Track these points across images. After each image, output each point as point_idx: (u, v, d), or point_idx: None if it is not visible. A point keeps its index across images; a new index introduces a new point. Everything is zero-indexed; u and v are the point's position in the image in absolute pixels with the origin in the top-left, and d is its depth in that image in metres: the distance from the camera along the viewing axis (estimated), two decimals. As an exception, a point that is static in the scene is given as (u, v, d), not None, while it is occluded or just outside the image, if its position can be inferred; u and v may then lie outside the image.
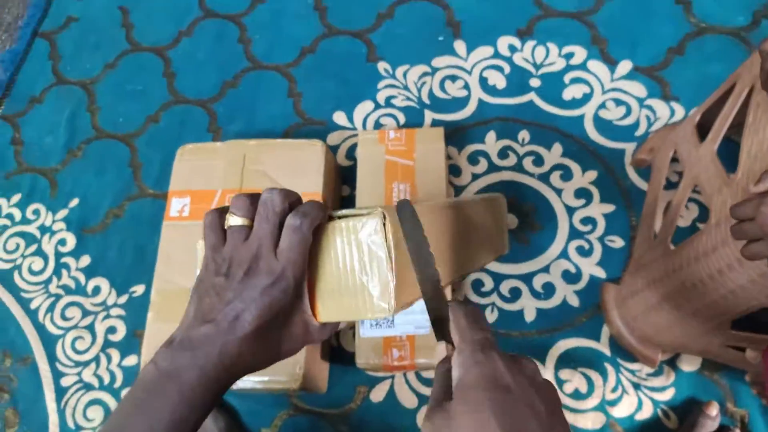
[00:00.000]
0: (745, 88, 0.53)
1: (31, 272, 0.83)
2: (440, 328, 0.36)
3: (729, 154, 0.57)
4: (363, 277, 0.36)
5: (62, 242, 0.84)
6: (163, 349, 0.34)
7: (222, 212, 0.37)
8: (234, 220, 0.36)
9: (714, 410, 0.64)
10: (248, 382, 0.64)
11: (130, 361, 0.76)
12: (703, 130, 0.62)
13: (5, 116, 0.95)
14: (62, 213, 0.86)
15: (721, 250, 0.48)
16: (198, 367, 0.33)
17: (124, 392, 0.74)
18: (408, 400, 0.70)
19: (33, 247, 0.84)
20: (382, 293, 0.35)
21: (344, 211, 0.36)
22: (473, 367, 0.30)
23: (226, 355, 0.33)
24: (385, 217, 0.35)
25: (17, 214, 0.87)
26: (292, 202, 0.36)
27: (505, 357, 0.31)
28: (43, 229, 0.85)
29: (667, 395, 0.67)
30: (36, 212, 0.87)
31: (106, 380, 0.76)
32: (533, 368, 0.31)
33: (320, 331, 0.38)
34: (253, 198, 0.37)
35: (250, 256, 0.35)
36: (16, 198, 0.88)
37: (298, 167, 0.71)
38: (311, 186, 0.70)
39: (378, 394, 0.71)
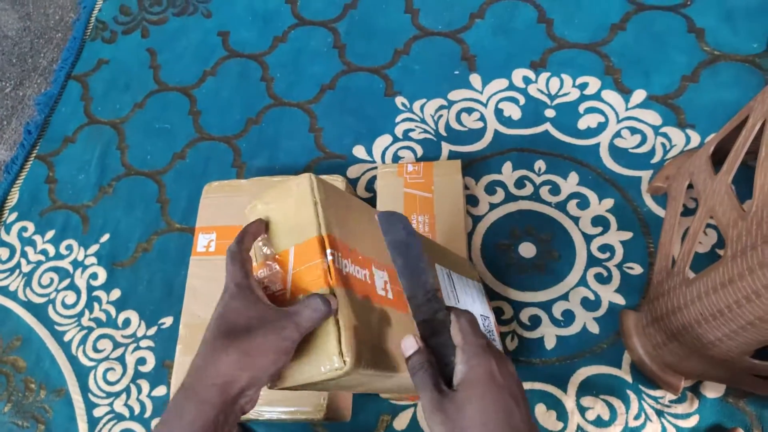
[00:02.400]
0: (758, 122, 0.54)
1: (65, 306, 0.86)
2: (430, 328, 0.41)
3: (746, 179, 0.58)
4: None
5: (94, 276, 0.87)
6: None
7: None
8: None
9: (739, 438, 0.64)
10: (274, 412, 0.66)
11: (160, 391, 0.78)
12: (718, 156, 0.63)
13: (40, 156, 0.99)
14: (94, 248, 0.89)
15: (738, 283, 0.49)
16: (200, 388, 0.36)
17: (153, 422, 0.76)
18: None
19: (66, 282, 0.88)
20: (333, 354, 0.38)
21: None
22: (477, 366, 0.38)
23: (209, 370, 0.36)
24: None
25: (51, 249, 0.90)
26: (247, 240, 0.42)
27: (497, 357, 0.39)
28: (76, 264, 0.89)
29: (691, 422, 0.67)
30: (69, 248, 0.90)
31: (137, 410, 0.78)
32: (512, 366, 0.41)
33: (305, 307, 0.38)
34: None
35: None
36: (50, 234, 0.92)
37: (320, 202, 0.73)
38: (333, 220, 0.72)
39: (401, 423, 0.72)
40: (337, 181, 0.74)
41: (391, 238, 0.43)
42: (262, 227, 0.44)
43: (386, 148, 0.88)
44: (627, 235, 0.77)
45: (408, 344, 0.41)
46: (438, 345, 0.41)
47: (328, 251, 0.41)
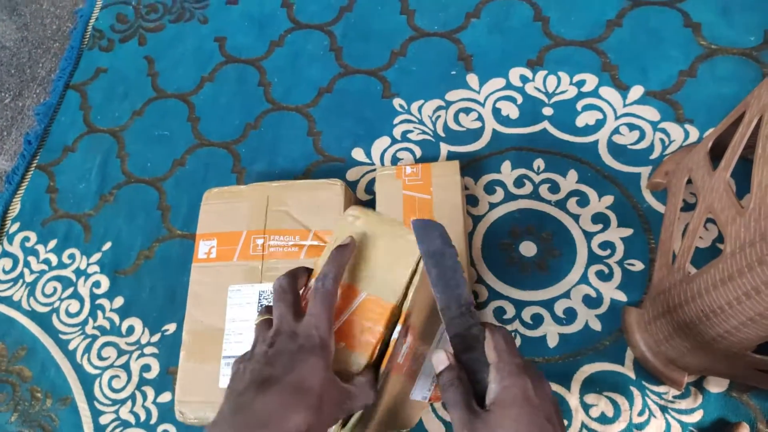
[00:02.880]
0: (755, 118, 0.53)
1: (68, 314, 0.86)
2: (464, 343, 0.40)
3: (746, 172, 0.57)
4: None
5: (97, 284, 0.88)
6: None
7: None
8: (257, 319, 0.41)
9: (744, 431, 0.64)
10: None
11: (165, 397, 0.79)
12: (717, 151, 0.63)
13: (41, 166, 1.00)
14: (96, 256, 0.90)
15: (737, 279, 0.49)
16: None
17: (159, 429, 0.77)
18: (435, 429, 0.71)
19: (69, 290, 0.88)
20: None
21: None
22: (512, 387, 0.37)
23: (279, 425, 0.35)
24: None
25: (54, 259, 0.91)
26: (301, 276, 0.41)
27: (532, 378, 0.38)
28: (79, 273, 0.89)
29: (696, 417, 0.67)
30: (71, 257, 0.91)
31: (143, 417, 0.78)
32: (548, 386, 0.39)
33: (360, 394, 0.39)
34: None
35: (272, 334, 0.38)
36: (52, 244, 0.92)
37: (319, 206, 0.73)
38: (332, 224, 0.72)
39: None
40: (336, 185, 0.74)
41: (426, 248, 0.41)
42: (305, 278, 0.43)
43: (385, 150, 0.88)
44: (627, 232, 0.77)
45: (439, 359, 0.40)
46: (471, 361, 0.40)
47: (399, 328, 0.40)
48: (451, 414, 0.38)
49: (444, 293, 0.40)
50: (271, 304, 0.41)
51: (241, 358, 0.39)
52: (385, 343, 0.41)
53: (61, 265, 0.90)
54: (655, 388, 0.69)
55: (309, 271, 0.43)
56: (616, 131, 0.83)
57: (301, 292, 0.43)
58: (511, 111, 0.87)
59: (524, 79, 0.89)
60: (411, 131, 0.89)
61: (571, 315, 0.74)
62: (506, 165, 0.84)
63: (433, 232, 0.42)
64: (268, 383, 0.35)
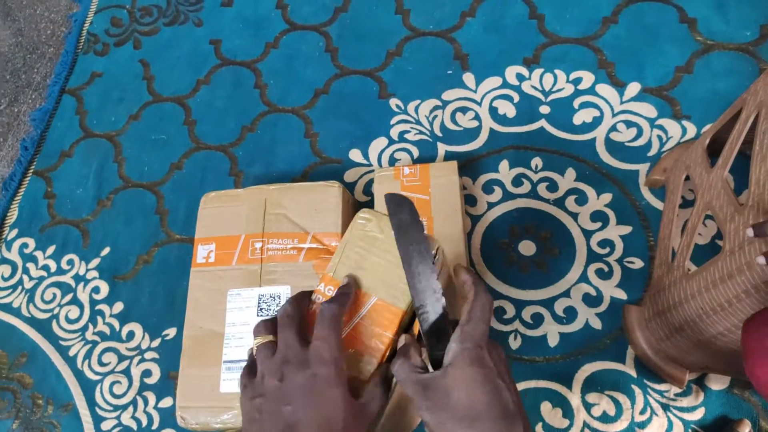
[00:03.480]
0: (751, 115, 0.53)
1: (68, 321, 0.86)
2: (428, 312, 0.42)
3: (744, 168, 0.57)
4: None
5: (96, 290, 0.87)
6: None
7: (252, 354, 0.42)
8: (258, 341, 0.40)
9: (746, 428, 0.64)
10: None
11: (166, 402, 0.79)
12: (715, 147, 0.62)
13: (38, 172, 1.00)
14: (95, 262, 0.90)
15: (737, 277, 0.49)
16: None
17: (161, 434, 0.77)
18: None
19: (69, 296, 0.88)
20: None
21: None
22: (471, 349, 0.39)
23: None
24: None
25: (53, 265, 0.91)
26: (304, 300, 0.42)
27: (488, 344, 0.41)
28: (78, 279, 0.89)
29: (697, 415, 0.67)
30: (70, 262, 0.90)
31: (144, 422, 0.78)
32: (502, 351, 0.43)
33: (371, 403, 0.40)
34: (273, 320, 0.42)
35: (279, 363, 0.38)
36: (50, 250, 0.92)
37: (317, 209, 0.73)
38: (330, 226, 0.72)
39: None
40: (334, 186, 0.74)
41: (397, 220, 0.44)
42: (308, 301, 0.44)
43: (382, 151, 0.88)
44: (626, 230, 0.77)
45: (402, 340, 0.42)
46: (434, 330, 0.41)
47: (406, 336, 0.42)
48: (405, 389, 0.40)
49: (411, 265, 0.42)
50: (265, 317, 0.41)
51: (251, 390, 0.39)
52: (394, 349, 0.42)
53: (60, 271, 0.90)
54: (657, 386, 0.69)
55: (310, 294, 0.43)
56: (613, 128, 0.83)
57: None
58: (508, 110, 0.87)
59: (520, 77, 0.89)
60: (408, 131, 0.89)
61: (571, 314, 0.74)
62: (504, 164, 0.84)
63: (404, 207, 0.44)
64: (293, 430, 0.36)
